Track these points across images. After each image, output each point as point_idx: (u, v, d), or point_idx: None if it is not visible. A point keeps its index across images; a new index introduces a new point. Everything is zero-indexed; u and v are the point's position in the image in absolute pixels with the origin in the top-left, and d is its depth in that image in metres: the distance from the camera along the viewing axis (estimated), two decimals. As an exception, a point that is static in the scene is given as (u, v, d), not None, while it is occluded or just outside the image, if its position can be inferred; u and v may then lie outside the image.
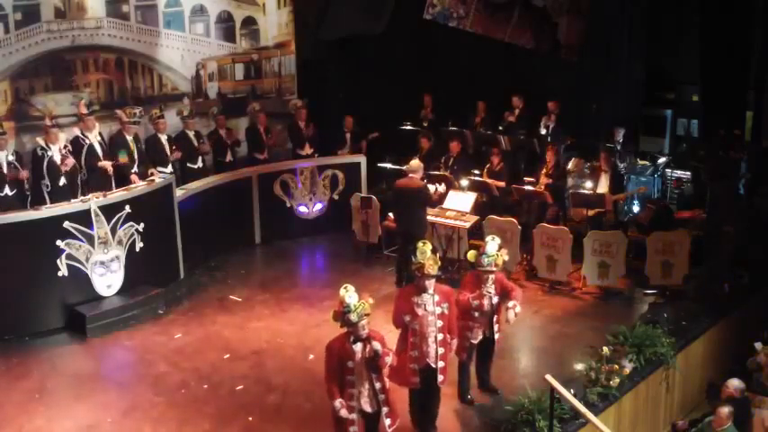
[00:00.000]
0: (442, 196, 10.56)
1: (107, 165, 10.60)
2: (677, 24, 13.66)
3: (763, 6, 12.64)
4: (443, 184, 10.61)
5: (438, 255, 7.24)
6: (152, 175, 10.81)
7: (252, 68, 13.58)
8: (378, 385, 6.40)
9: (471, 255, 7.54)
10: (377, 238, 11.44)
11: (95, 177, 10.56)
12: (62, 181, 10.15)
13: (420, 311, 6.83)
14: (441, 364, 6.94)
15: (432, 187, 10.19)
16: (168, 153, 11.34)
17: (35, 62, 11.07)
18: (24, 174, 10.07)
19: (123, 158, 10.70)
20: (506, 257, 7.51)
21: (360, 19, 13.86)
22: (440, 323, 6.88)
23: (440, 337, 6.89)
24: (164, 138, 11.38)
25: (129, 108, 11.17)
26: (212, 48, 13.02)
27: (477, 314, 7.42)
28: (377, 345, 6.22)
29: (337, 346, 6.30)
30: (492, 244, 7.38)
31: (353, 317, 6.16)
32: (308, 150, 13.01)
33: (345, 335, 6.30)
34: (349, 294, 6.20)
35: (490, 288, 7.38)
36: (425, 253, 6.83)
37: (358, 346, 6.28)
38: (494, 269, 7.34)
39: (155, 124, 11.40)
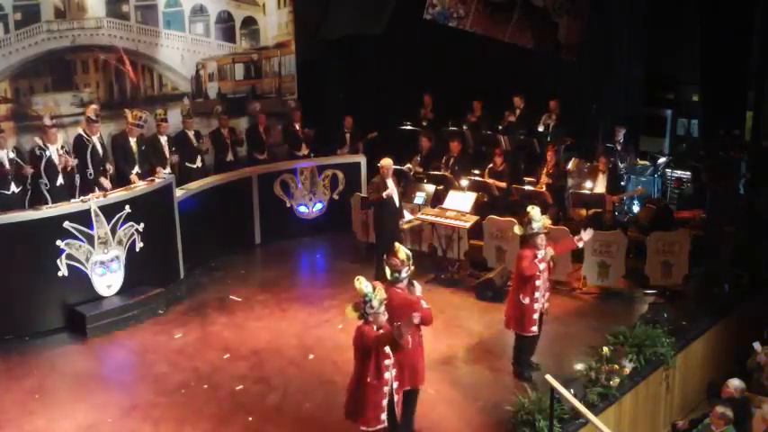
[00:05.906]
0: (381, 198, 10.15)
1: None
2: (677, 24, 13.65)
3: (762, 7, 12.63)
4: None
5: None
6: (156, 174, 10.78)
7: (252, 68, 13.57)
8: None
9: (519, 229, 8.21)
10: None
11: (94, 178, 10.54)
12: (59, 181, 10.14)
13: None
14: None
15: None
16: (167, 155, 11.32)
17: (35, 62, 11.06)
18: (28, 169, 10.05)
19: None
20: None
21: (360, 19, 13.87)
22: None
23: None
24: (163, 139, 11.36)
25: (138, 110, 11.11)
26: (212, 48, 13.01)
27: (538, 282, 7.90)
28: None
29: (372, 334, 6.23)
30: (536, 210, 7.96)
31: (376, 303, 6.19)
32: (304, 151, 13.02)
33: (368, 326, 6.22)
34: (365, 284, 6.23)
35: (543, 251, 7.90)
36: (401, 251, 6.84)
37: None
38: (543, 231, 7.93)
39: (157, 125, 11.36)
